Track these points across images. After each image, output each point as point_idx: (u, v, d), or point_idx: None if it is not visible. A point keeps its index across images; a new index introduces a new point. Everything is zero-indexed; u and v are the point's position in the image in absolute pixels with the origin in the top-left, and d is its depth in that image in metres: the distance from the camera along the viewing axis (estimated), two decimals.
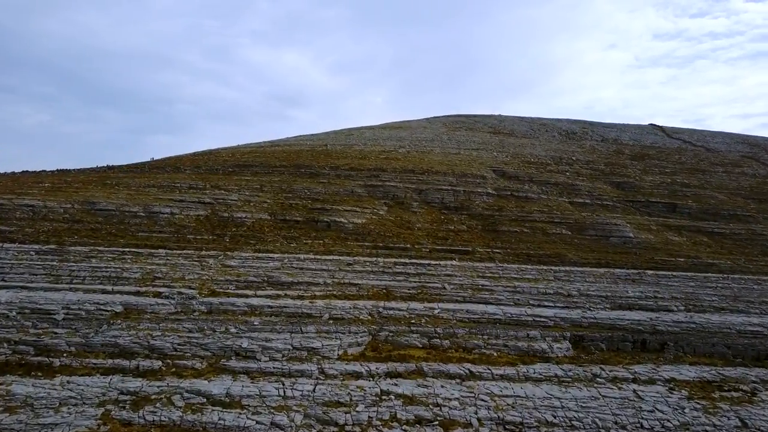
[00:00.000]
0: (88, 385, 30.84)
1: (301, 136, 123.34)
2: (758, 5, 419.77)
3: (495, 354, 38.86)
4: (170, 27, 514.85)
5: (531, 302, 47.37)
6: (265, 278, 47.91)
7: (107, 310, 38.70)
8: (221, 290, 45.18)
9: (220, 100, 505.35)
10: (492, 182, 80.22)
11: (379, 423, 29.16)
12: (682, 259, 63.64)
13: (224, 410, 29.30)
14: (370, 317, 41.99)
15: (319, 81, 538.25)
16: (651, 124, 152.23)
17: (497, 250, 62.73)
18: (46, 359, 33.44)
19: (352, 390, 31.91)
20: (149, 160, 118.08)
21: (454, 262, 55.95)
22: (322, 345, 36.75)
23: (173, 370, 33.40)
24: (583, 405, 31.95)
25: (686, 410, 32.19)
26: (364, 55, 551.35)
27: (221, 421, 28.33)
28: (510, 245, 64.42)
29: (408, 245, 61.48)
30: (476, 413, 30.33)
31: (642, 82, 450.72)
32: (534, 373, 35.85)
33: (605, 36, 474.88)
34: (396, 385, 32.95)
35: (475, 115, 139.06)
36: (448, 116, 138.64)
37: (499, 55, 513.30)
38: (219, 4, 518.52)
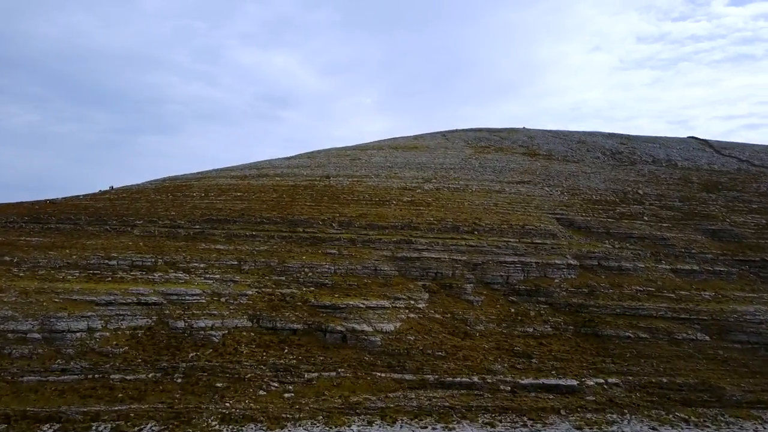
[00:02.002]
0: None
1: (294, 157, 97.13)
2: (739, 9, 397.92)
3: None
4: (159, 28, 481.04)
5: None
6: None
7: None
8: None
9: (210, 100, 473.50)
10: (566, 242, 54.74)
11: None
12: None
13: None
14: None
15: (309, 82, 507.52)
16: (692, 137, 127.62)
17: (614, 380, 37.50)
18: None
19: None
20: (108, 189, 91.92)
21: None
22: None
23: None
24: None
25: None
26: (353, 57, 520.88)
27: None
28: (628, 367, 39.16)
29: (474, 377, 36.04)
30: None
31: (626, 84, 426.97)
32: None
33: (589, 39, 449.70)
34: None
35: (498, 130, 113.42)
36: (467, 131, 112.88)
37: (485, 57, 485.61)
38: (207, 6, 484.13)
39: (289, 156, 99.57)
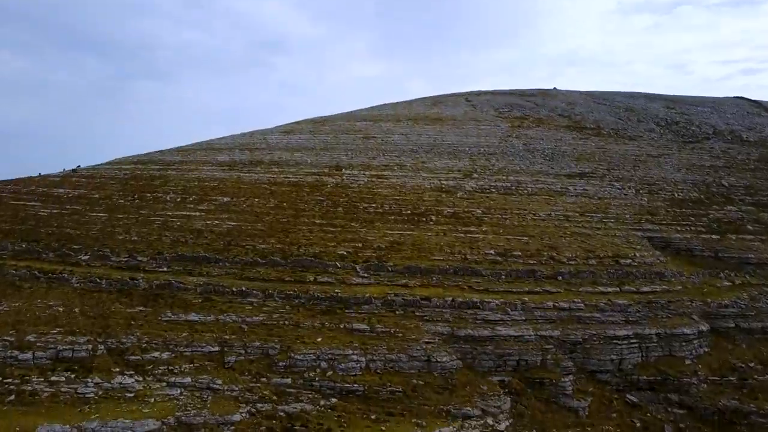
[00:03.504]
0: None
1: (294, 126, 78.59)
2: None
3: None
4: None
5: None
6: None
7: None
8: None
9: (203, 46, 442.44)
10: (679, 284, 37.89)
11: None
12: None
13: None
14: None
15: (302, 27, 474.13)
16: (740, 98, 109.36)
17: None
18: None
19: None
20: (74, 169, 74.45)
21: None
22: None
23: None
24: None
25: None
26: (347, 1, 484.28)
27: None
28: None
29: None
30: None
31: (625, 29, 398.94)
32: None
33: None
34: None
35: (528, 93, 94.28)
36: (494, 94, 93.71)
37: (482, 2, 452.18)
38: None
39: (287, 126, 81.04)
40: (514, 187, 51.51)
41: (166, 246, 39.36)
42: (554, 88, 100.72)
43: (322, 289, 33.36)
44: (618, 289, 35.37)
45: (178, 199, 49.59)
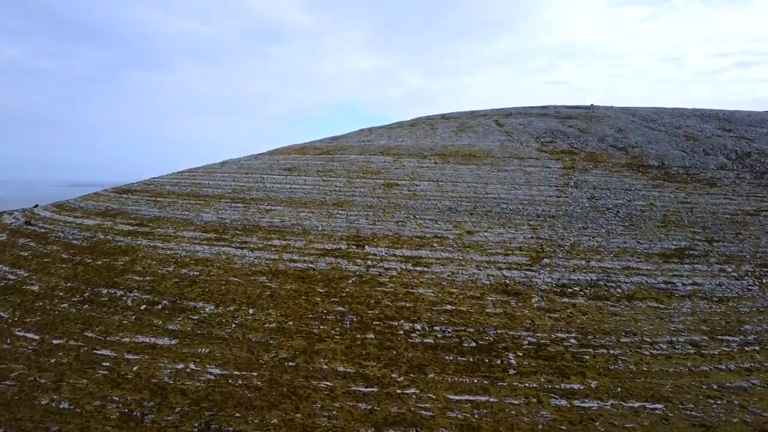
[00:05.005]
0: None
1: (298, 160, 63.00)
2: None
3: None
4: None
5: None
6: None
7: None
8: None
9: (198, 36, 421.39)
10: None
11: None
12: None
13: None
14: None
15: (296, 17, 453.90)
16: None
17: None
18: None
19: None
20: (32, 212, 59.21)
21: None
22: None
23: None
24: None
25: None
26: None
27: None
28: None
29: None
30: None
31: (620, 21, 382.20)
32: None
33: None
34: None
35: (568, 113, 78.56)
36: (527, 114, 77.83)
37: None
38: None
39: (289, 158, 65.47)
40: (602, 283, 36.41)
41: (109, 428, 24.23)
42: (592, 105, 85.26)
43: None
44: None
45: (143, 307, 34.28)
